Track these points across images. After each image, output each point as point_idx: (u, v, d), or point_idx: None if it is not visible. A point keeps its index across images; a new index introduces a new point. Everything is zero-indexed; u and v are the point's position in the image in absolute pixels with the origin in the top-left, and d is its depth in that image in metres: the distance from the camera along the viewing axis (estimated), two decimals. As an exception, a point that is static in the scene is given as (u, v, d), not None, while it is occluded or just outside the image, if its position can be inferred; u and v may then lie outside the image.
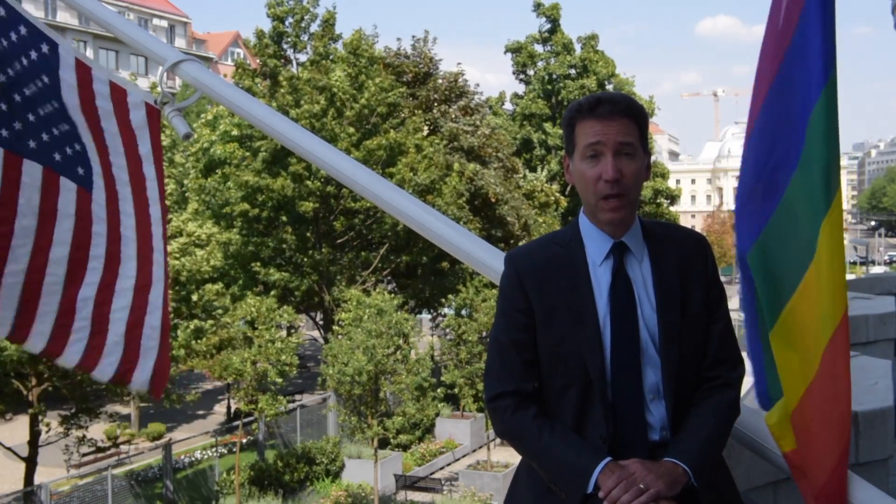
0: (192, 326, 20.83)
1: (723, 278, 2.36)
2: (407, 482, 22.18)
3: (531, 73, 48.91)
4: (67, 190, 2.85)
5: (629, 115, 2.02)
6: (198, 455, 24.93)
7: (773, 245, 2.13)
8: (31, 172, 2.78)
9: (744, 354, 2.18)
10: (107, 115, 2.84)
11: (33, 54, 2.79)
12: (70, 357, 2.85)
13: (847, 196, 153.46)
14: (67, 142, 2.84)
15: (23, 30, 2.79)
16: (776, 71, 2.10)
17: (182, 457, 24.41)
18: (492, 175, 31.20)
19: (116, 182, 2.88)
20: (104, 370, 2.87)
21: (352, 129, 26.25)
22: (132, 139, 2.87)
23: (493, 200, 30.60)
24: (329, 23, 28.34)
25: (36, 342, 2.81)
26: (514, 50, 49.20)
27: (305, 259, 26.86)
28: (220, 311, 21.68)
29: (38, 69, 2.79)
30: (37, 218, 2.80)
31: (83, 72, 2.82)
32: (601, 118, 2.00)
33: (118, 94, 2.84)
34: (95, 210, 2.88)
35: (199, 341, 20.95)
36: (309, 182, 25.35)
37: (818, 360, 1.98)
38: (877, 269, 73.83)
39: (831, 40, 1.92)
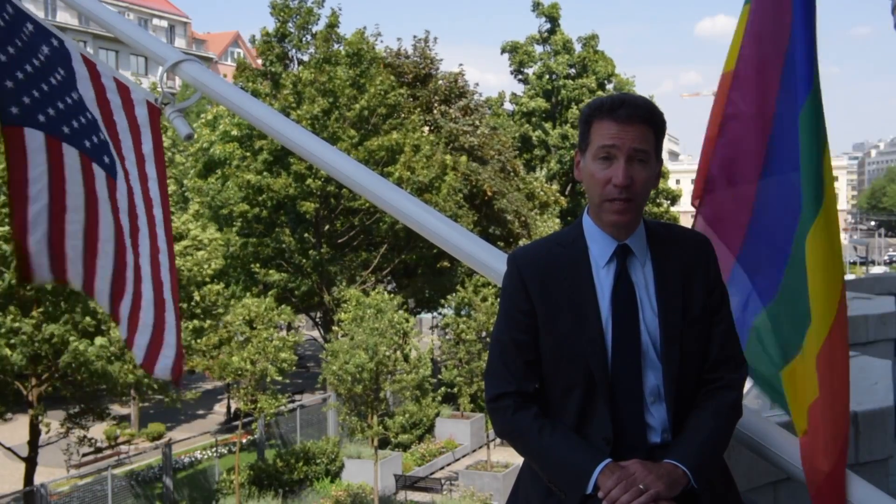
0: (191, 326, 20.89)
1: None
2: (407, 482, 22.18)
3: (530, 71, 48.85)
4: (99, 176, 2.91)
5: (648, 121, 1.99)
6: (198, 455, 24.93)
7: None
8: (71, 155, 2.86)
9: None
10: (118, 109, 2.88)
11: (46, 49, 2.84)
12: (122, 331, 3.00)
13: (847, 196, 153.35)
14: (93, 131, 2.88)
15: (30, 27, 2.84)
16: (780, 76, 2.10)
17: (182, 457, 24.42)
18: (489, 172, 31.19)
19: (129, 176, 2.91)
20: (137, 353, 2.98)
21: (352, 131, 26.23)
22: (138, 136, 2.89)
23: (489, 195, 30.56)
24: (333, 25, 28.29)
25: (101, 299, 2.99)
26: (511, 50, 49.15)
27: (305, 259, 26.86)
28: (220, 311, 21.72)
29: (55, 62, 2.84)
30: (83, 198, 2.88)
31: (90, 66, 2.87)
32: (619, 121, 1.97)
33: (123, 91, 2.88)
34: (119, 199, 2.93)
35: (198, 341, 21.01)
36: (310, 181, 25.32)
37: (814, 362, 1.99)
38: (877, 269, 73.79)
39: (814, 44, 1.92)
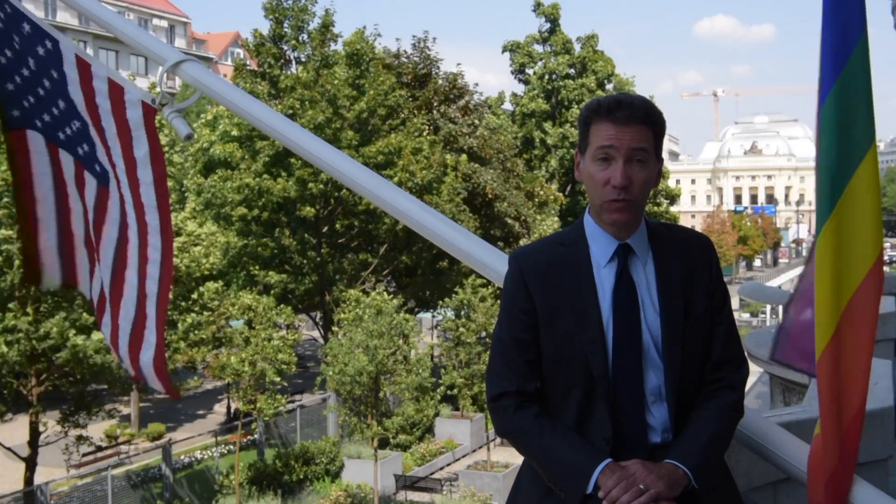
0: (189, 320, 20.89)
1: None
2: (407, 482, 22.17)
3: (530, 72, 48.89)
4: (90, 185, 2.89)
5: (646, 121, 1.99)
6: (198, 455, 24.91)
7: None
8: (67, 161, 2.85)
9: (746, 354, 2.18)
10: (106, 114, 2.80)
11: (41, 50, 2.82)
12: (106, 338, 2.99)
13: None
14: (84, 138, 2.85)
15: (27, 27, 2.82)
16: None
17: (182, 457, 24.39)
18: (490, 173, 31.17)
19: (121, 185, 2.84)
20: (123, 358, 2.94)
21: (351, 133, 26.18)
22: (128, 141, 2.80)
23: (490, 197, 30.54)
24: (327, 25, 28.21)
25: (84, 290, 3.01)
26: (512, 49, 49.16)
27: (305, 260, 26.82)
28: (216, 304, 21.71)
29: (48, 65, 2.81)
30: (80, 206, 2.90)
31: (83, 68, 2.81)
32: (617, 122, 1.97)
33: (116, 92, 2.80)
34: (111, 209, 2.87)
35: (196, 332, 21.03)
36: (312, 185, 25.25)
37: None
38: (876, 269, 73.60)
39: (835, 38, 1.90)
